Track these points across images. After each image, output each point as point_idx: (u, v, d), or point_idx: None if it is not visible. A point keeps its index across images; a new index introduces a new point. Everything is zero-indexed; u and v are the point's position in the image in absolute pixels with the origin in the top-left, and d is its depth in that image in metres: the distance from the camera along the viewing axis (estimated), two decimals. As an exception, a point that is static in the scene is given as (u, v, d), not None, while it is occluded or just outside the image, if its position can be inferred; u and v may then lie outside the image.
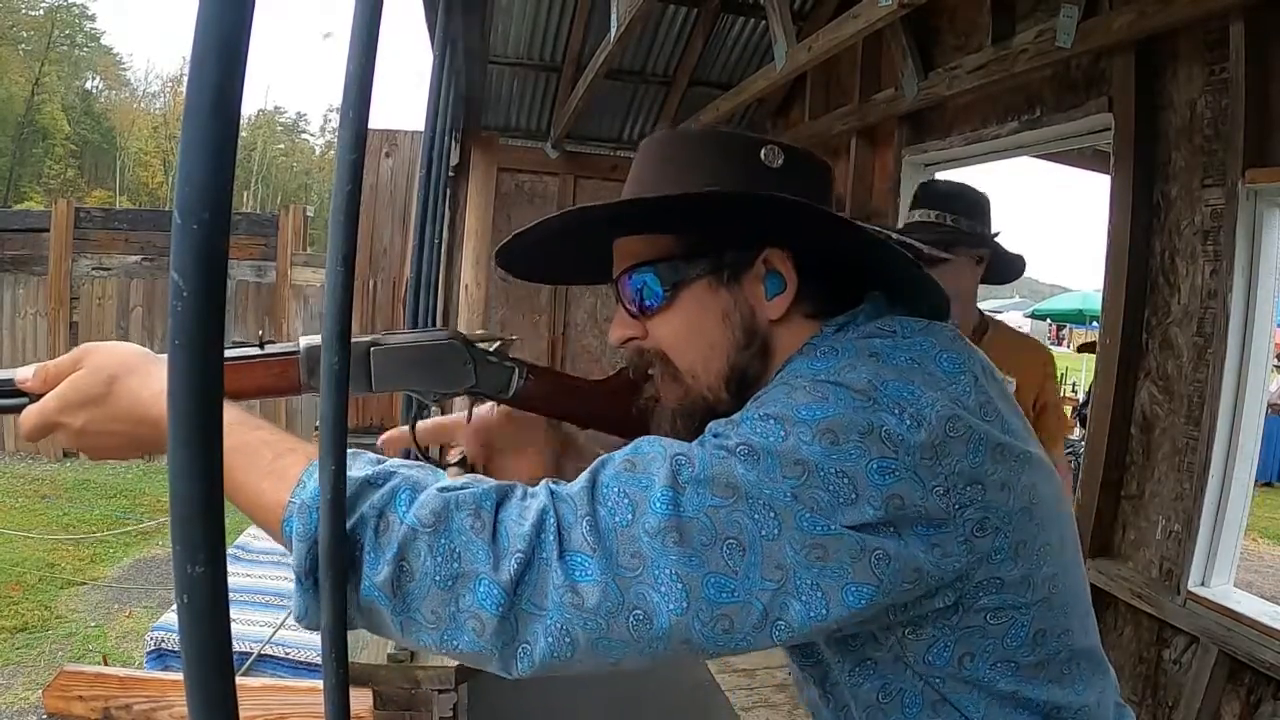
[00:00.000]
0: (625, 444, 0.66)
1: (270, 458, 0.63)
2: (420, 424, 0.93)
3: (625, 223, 0.79)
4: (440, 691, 1.73)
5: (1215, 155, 2.23)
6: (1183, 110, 2.34)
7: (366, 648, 1.74)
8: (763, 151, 0.76)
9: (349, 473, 0.57)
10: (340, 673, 0.74)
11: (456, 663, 1.80)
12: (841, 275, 0.78)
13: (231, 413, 0.59)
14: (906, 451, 0.62)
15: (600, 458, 0.65)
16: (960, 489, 0.64)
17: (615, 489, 0.61)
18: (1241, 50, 2.10)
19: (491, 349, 0.88)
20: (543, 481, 0.63)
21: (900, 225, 1.93)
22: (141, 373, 0.69)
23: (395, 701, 1.69)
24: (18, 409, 0.72)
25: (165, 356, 0.72)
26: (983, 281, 1.95)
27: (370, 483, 0.60)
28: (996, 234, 1.92)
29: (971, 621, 0.67)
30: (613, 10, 3.11)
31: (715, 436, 0.65)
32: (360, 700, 1.56)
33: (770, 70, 3.20)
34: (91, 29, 33.72)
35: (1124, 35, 2.39)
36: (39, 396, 0.71)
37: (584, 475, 0.63)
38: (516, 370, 0.89)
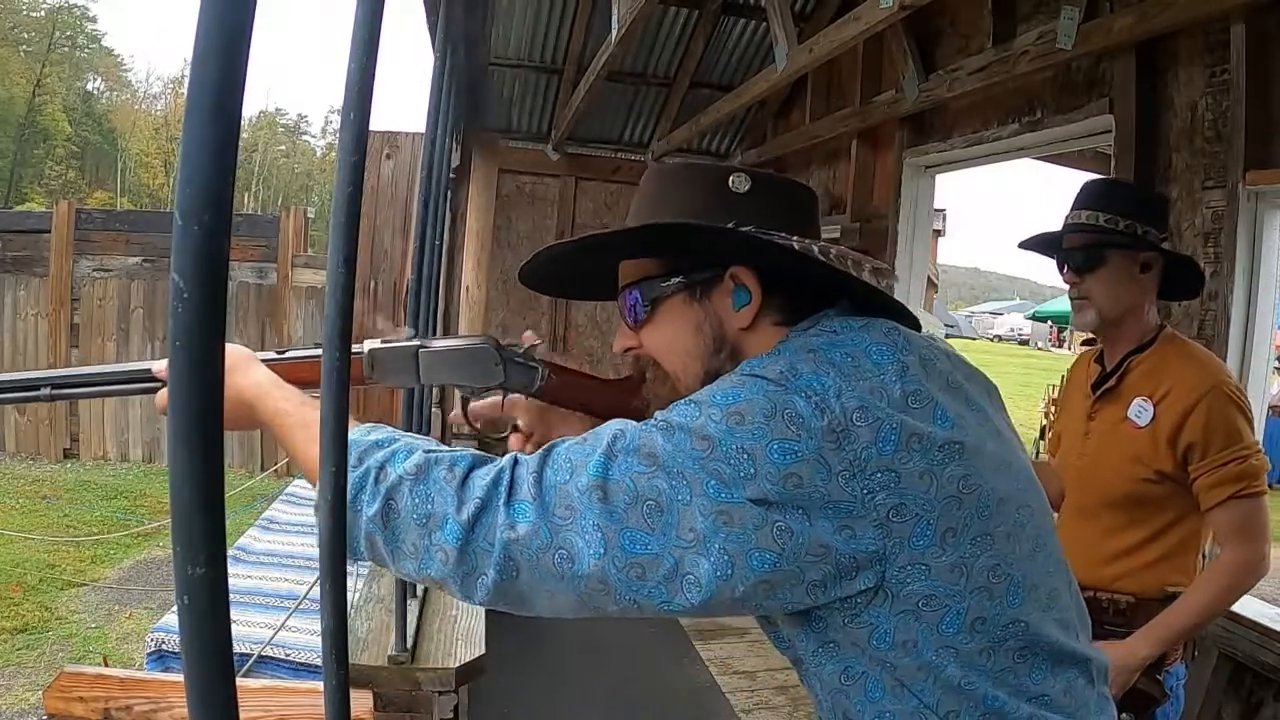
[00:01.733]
0: None
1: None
2: (477, 403, 1.10)
3: (608, 251, 0.91)
4: (440, 693, 1.73)
5: (1216, 157, 2.23)
6: (1184, 112, 2.34)
7: (367, 649, 1.74)
8: (730, 179, 0.87)
9: (369, 437, 0.77)
10: (340, 674, 0.74)
11: (457, 665, 1.80)
12: (809, 286, 0.86)
13: (300, 398, 0.86)
14: (810, 435, 0.69)
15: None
16: (869, 474, 0.70)
17: (564, 455, 0.74)
18: (1242, 52, 2.10)
19: (521, 350, 1.06)
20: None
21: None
22: (241, 369, 0.88)
23: (395, 703, 1.69)
24: (153, 391, 0.94)
25: (260, 357, 0.91)
26: (1162, 296, 1.72)
27: (379, 444, 0.77)
28: (1164, 238, 1.67)
29: (904, 606, 0.72)
30: (613, 12, 3.12)
31: (653, 418, 0.75)
32: (361, 702, 1.56)
33: (771, 72, 3.20)
34: (93, 30, 33.80)
35: (1125, 37, 2.39)
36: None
37: (546, 445, 0.76)
38: (540, 370, 1.04)
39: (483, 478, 0.73)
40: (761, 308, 0.85)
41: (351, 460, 0.72)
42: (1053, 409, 10.19)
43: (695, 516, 0.69)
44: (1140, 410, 1.61)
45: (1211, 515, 1.55)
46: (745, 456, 0.69)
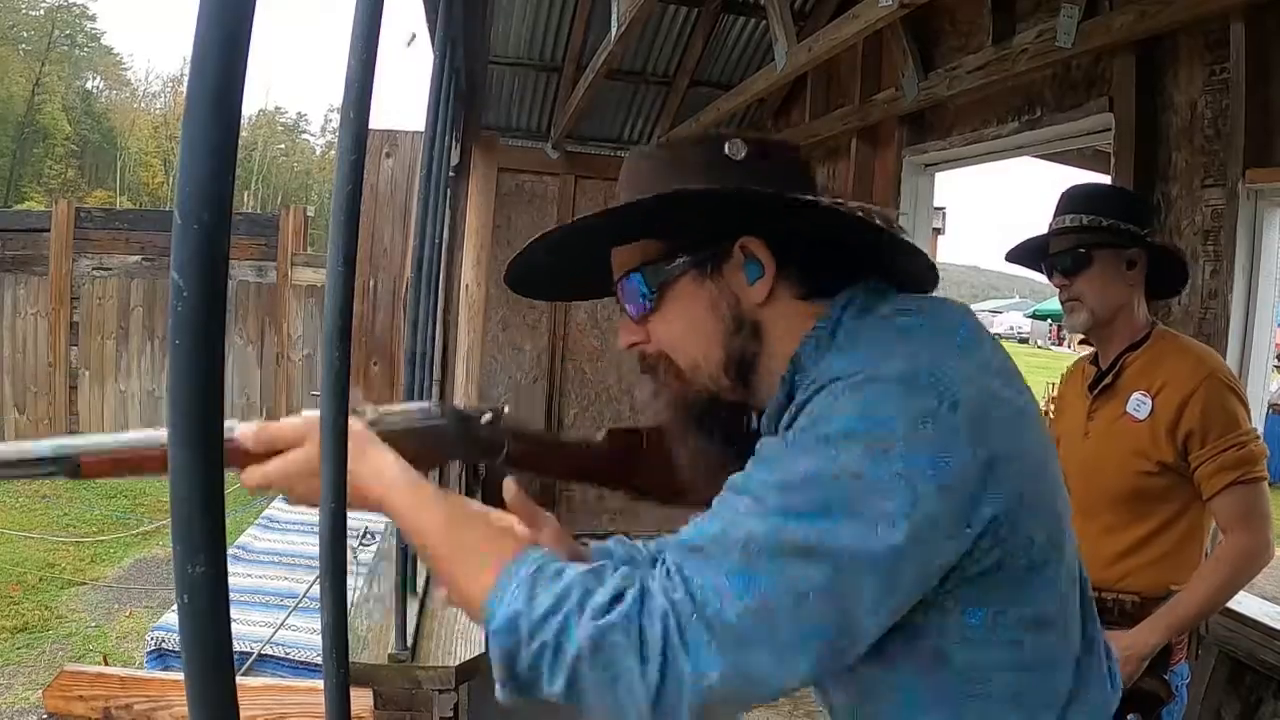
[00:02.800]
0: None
1: (477, 564, 0.72)
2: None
3: (601, 235, 0.83)
4: (441, 691, 1.73)
5: (1216, 155, 2.22)
6: (1183, 110, 2.34)
7: (367, 648, 1.74)
8: (726, 146, 0.79)
9: (535, 607, 0.66)
10: (341, 673, 0.74)
11: (457, 663, 1.80)
12: (829, 254, 0.80)
13: (445, 507, 0.75)
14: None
15: (675, 545, 0.70)
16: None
17: (703, 581, 0.65)
18: (1242, 50, 2.10)
19: (484, 421, 0.93)
20: (654, 577, 0.67)
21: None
22: (355, 453, 0.75)
23: (396, 701, 1.69)
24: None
25: (377, 439, 0.79)
26: (1151, 295, 1.75)
27: (546, 616, 0.66)
28: (1146, 232, 1.69)
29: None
30: (613, 10, 3.11)
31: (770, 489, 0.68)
32: (361, 700, 1.56)
33: (770, 70, 3.20)
34: (92, 29, 33.75)
35: (1125, 35, 2.38)
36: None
37: (673, 566, 0.67)
38: (507, 440, 0.93)
39: (650, 627, 0.65)
40: (776, 279, 0.79)
41: (522, 635, 0.66)
42: (1052, 408, 10.16)
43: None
44: (1139, 404, 1.63)
45: (1214, 503, 1.57)
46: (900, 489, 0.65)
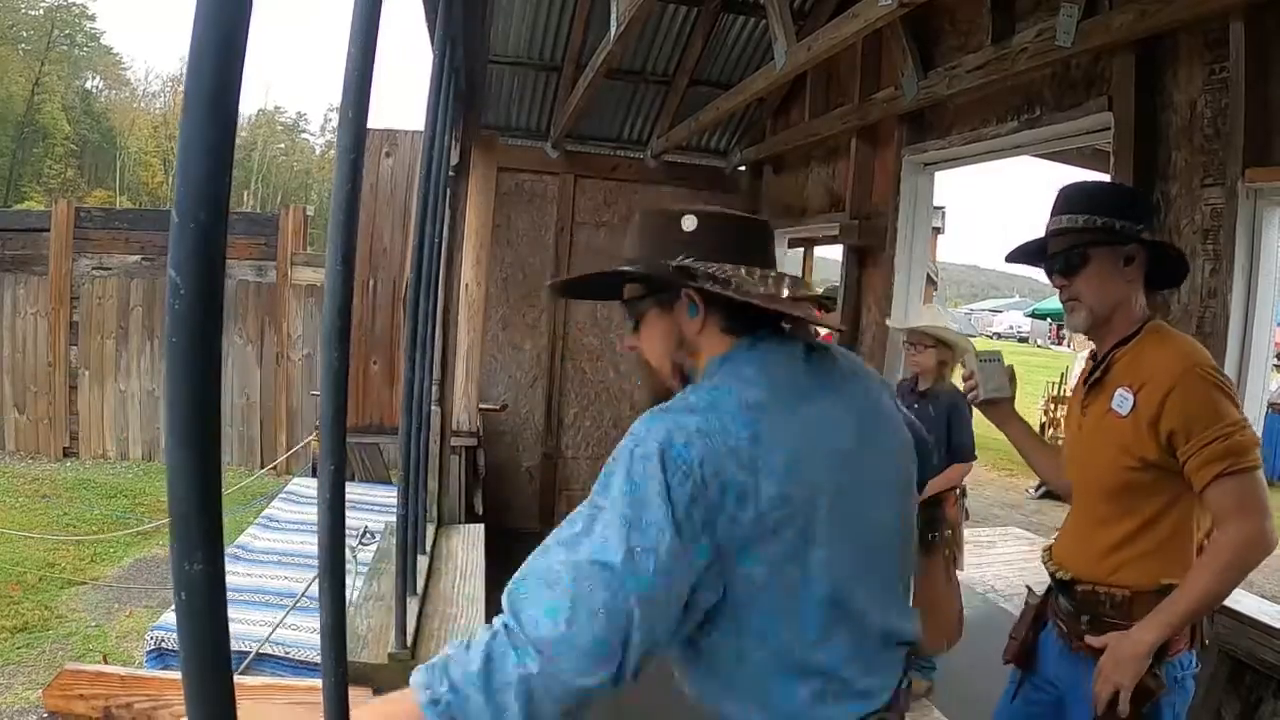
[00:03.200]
0: None
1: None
2: None
3: (603, 281, 1.26)
4: (440, 691, 1.73)
5: (1215, 154, 2.22)
6: (1183, 110, 2.34)
7: (366, 647, 1.73)
8: (682, 220, 1.15)
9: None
10: (339, 671, 0.74)
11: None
12: (740, 307, 1.11)
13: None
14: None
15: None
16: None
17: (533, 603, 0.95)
18: (1242, 50, 2.10)
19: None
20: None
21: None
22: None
23: (395, 701, 1.68)
24: None
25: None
26: (1150, 285, 1.74)
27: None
28: (1140, 229, 1.68)
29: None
30: (613, 10, 3.11)
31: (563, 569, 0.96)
32: (360, 699, 1.56)
33: (770, 70, 3.20)
34: (91, 29, 33.73)
35: (1124, 35, 2.38)
36: None
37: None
38: None
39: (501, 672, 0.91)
40: (706, 316, 1.15)
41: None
42: (1052, 406, 10.19)
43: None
44: (1122, 400, 1.65)
45: (1205, 496, 1.55)
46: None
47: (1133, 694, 1.60)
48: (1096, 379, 1.73)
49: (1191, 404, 1.56)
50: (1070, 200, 1.72)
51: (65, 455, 7.89)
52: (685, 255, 1.12)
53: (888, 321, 3.73)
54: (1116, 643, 1.60)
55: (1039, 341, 41.02)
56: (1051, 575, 1.81)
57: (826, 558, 1.05)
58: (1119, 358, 1.70)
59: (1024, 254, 1.87)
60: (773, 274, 1.14)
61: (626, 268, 1.18)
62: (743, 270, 1.12)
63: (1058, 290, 1.76)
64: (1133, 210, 1.70)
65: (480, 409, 5.09)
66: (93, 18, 34.11)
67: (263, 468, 7.39)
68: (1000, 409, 1.98)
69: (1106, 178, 2.58)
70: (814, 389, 1.12)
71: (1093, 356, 1.79)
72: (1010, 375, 1.98)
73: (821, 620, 1.06)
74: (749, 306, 1.10)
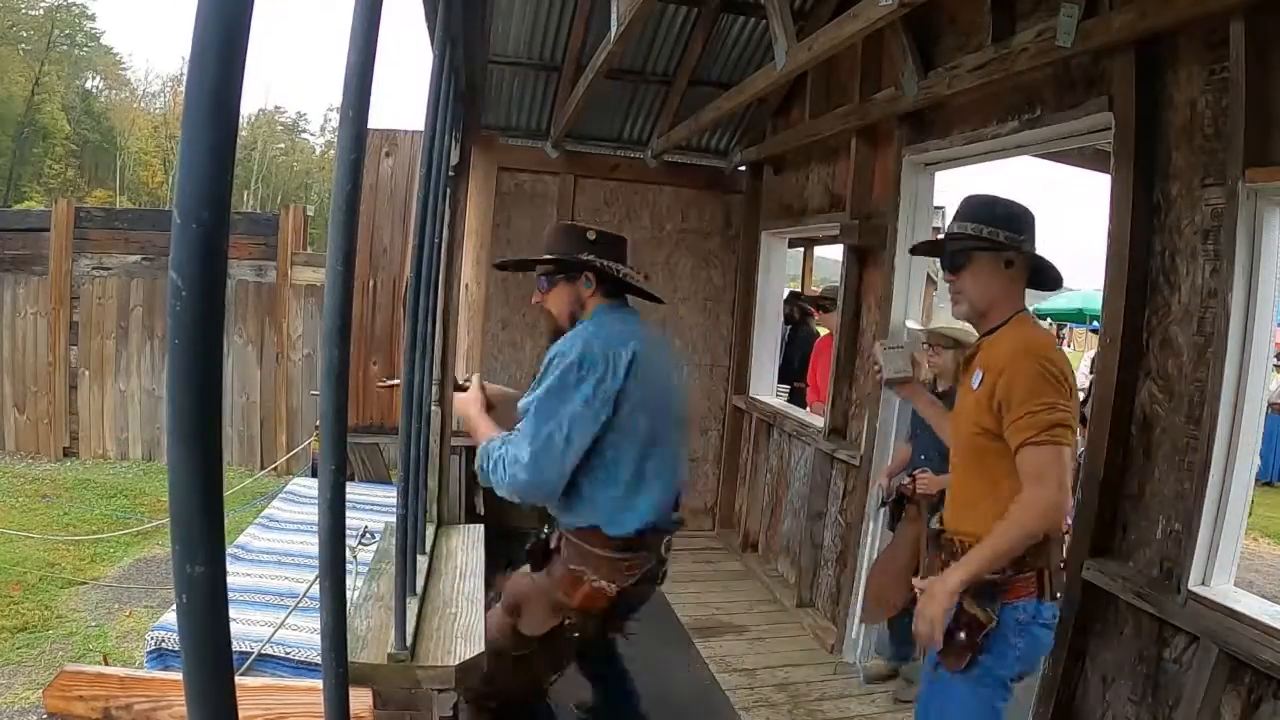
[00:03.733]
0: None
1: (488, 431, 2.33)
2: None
3: (537, 262, 2.38)
4: (440, 691, 1.73)
5: (1215, 155, 2.22)
6: (1183, 109, 2.34)
7: (367, 647, 1.74)
8: (587, 234, 2.30)
9: (491, 456, 2.21)
10: (340, 672, 0.74)
11: (456, 663, 1.80)
12: (612, 282, 2.30)
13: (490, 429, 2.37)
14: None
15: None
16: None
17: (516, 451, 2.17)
18: (1242, 50, 2.09)
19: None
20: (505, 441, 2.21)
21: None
22: (476, 409, 2.48)
23: (395, 701, 1.69)
24: None
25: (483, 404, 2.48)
26: (1034, 288, 2.08)
27: (491, 460, 2.21)
28: (1021, 239, 1.99)
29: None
30: (613, 10, 3.11)
31: (532, 418, 2.19)
32: (360, 700, 1.56)
33: (770, 69, 3.20)
34: (91, 28, 33.72)
35: (1124, 34, 2.38)
36: None
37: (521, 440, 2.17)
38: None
39: (514, 461, 2.14)
40: (596, 287, 2.28)
41: (483, 463, 2.23)
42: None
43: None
44: (976, 378, 1.98)
45: (1017, 461, 1.83)
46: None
47: (966, 624, 1.89)
48: (968, 360, 2.10)
49: (1017, 382, 1.84)
50: (967, 210, 2.03)
51: (65, 455, 7.89)
52: (589, 253, 2.27)
53: (906, 323, 3.73)
54: (929, 585, 1.93)
55: (1039, 341, 40.92)
56: (930, 527, 2.19)
57: (648, 421, 2.21)
58: (984, 344, 2.03)
59: (925, 248, 2.41)
60: (630, 269, 2.36)
61: (560, 256, 2.29)
62: (617, 265, 2.30)
63: (948, 284, 2.07)
64: (1016, 224, 2.00)
65: (480, 409, 5.09)
66: (93, 17, 34.12)
67: (263, 468, 7.39)
68: (906, 387, 2.49)
69: (1107, 178, 2.58)
70: (644, 334, 2.28)
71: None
72: (912, 359, 2.43)
73: (640, 453, 2.21)
74: (618, 282, 2.30)
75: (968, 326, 3.05)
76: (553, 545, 2.32)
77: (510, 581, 2.43)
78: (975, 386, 1.97)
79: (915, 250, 2.52)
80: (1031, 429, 1.79)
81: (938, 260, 2.18)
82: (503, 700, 2.39)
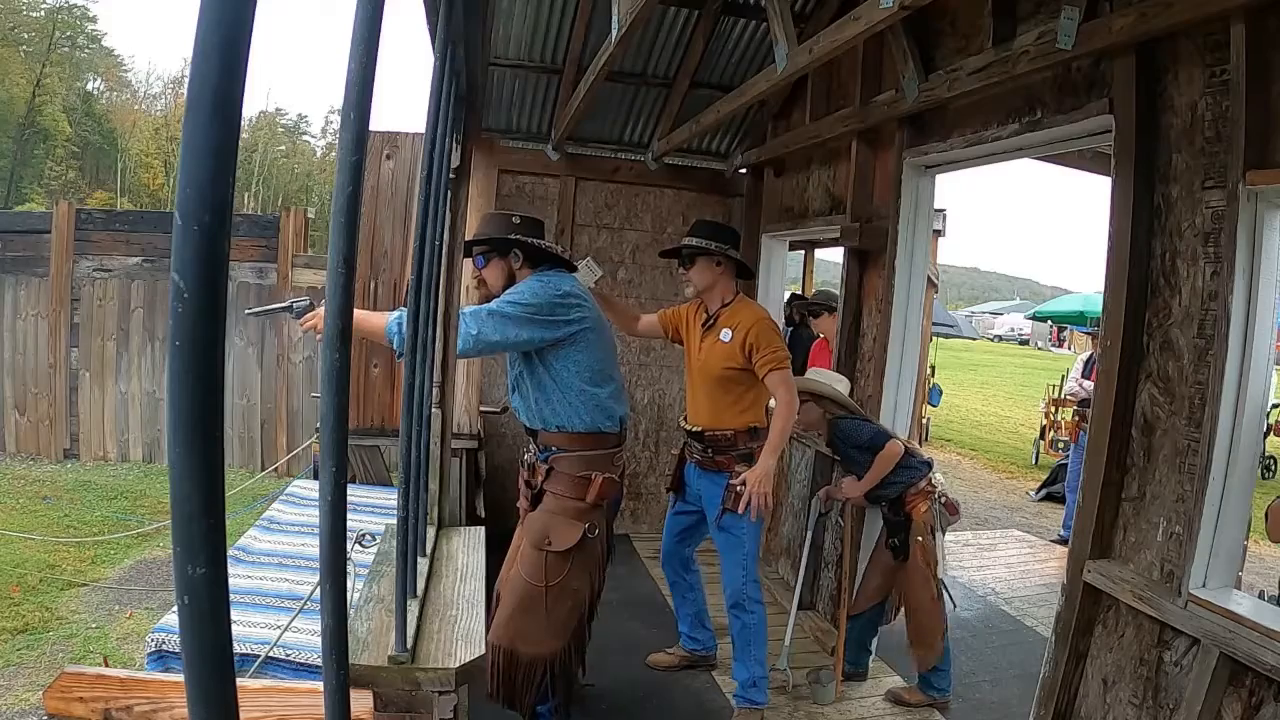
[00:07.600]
0: None
1: (378, 320, 2.53)
2: None
3: (476, 243, 2.89)
4: (440, 693, 1.73)
5: (1216, 157, 2.22)
6: (1184, 112, 2.34)
7: (367, 649, 1.73)
8: (512, 218, 2.88)
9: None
10: (340, 674, 0.74)
11: (457, 665, 1.80)
12: (539, 255, 2.85)
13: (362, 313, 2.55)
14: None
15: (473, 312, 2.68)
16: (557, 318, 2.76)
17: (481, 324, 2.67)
18: (1242, 52, 2.09)
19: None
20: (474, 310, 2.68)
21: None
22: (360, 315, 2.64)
23: (395, 703, 1.68)
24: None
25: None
26: (741, 277, 3.38)
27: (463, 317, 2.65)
28: (726, 249, 3.25)
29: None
30: (614, 12, 3.12)
31: (496, 306, 2.64)
32: (361, 702, 1.56)
33: (771, 72, 3.20)
34: (93, 30, 33.75)
35: (1125, 37, 2.38)
36: None
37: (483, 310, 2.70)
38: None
39: (470, 324, 2.62)
40: (524, 262, 2.82)
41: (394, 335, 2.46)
42: (1054, 409, 10.20)
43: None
44: (725, 334, 3.22)
45: (766, 382, 3.14)
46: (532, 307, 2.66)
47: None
48: (709, 324, 3.30)
49: (760, 336, 3.14)
50: (698, 229, 3.30)
51: (66, 457, 7.89)
52: (515, 234, 2.79)
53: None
54: (753, 471, 3.07)
55: (1039, 344, 40.99)
56: (687, 431, 3.37)
57: (608, 333, 2.86)
58: (720, 315, 3.28)
59: (669, 253, 3.47)
60: (551, 242, 2.91)
61: (493, 236, 2.80)
62: (541, 241, 2.81)
63: (681, 274, 3.37)
64: (726, 238, 3.29)
65: (481, 411, 5.09)
66: (94, 19, 34.17)
67: (263, 470, 7.39)
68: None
69: (1108, 180, 2.58)
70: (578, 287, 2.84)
71: (704, 311, 3.38)
72: (597, 270, 3.46)
73: (610, 358, 2.82)
74: (547, 254, 2.82)
75: (837, 380, 3.95)
76: (541, 482, 2.81)
77: (525, 527, 2.84)
78: (727, 340, 3.19)
79: (663, 254, 3.57)
80: (773, 362, 3.11)
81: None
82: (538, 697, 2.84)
